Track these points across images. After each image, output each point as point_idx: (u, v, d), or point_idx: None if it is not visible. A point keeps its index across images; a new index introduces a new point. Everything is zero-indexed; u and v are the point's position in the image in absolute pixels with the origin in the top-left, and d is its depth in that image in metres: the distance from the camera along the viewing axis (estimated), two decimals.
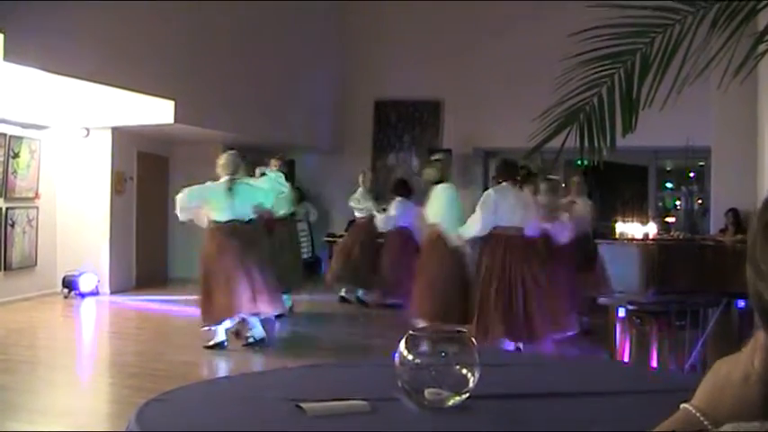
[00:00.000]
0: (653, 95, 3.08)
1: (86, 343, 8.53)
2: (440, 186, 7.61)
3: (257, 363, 6.84)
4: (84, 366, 7.08)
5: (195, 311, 7.39)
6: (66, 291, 10.36)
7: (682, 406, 0.90)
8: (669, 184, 14.26)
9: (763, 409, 0.84)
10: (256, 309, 7.08)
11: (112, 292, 10.73)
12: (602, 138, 3.15)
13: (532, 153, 3.35)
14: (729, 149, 10.05)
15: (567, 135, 3.25)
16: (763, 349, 0.84)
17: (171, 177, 12.40)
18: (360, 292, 10.37)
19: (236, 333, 7.38)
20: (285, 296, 8.24)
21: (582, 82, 3.14)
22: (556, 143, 3.38)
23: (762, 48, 3.09)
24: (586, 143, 3.21)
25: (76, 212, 10.78)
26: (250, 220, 7.33)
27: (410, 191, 9.89)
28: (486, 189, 12.08)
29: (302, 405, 1.92)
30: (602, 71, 3.15)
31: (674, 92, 3.01)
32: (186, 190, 7.17)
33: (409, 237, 9.42)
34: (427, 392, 1.98)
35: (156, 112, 9.48)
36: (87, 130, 10.77)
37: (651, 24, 3.10)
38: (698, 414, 0.88)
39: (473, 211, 6.78)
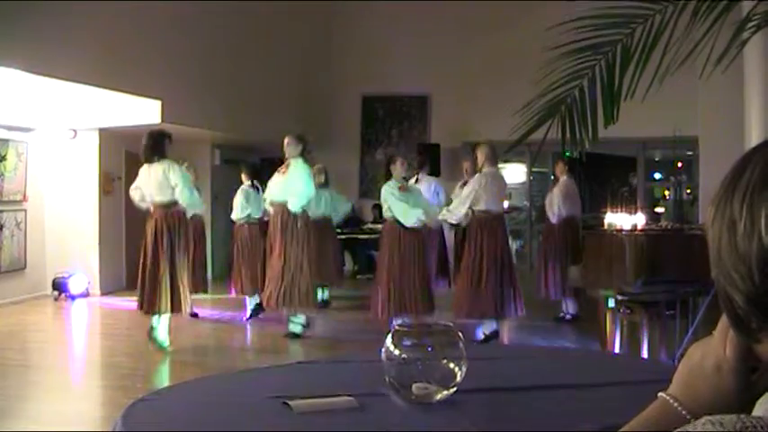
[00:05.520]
0: (635, 86, 3.08)
1: (77, 345, 8.50)
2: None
3: (246, 361, 6.83)
4: (75, 368, 7.06)
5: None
6: (56, 293, 10.32)
7: (659, 395, 0.90)
8: (658, 175, 14.31)
9: (738, 400, 0.84)
10: None
11: (103, 294, 10.69)
12: (584, 129, 3.15)
13: (515, 146, 3.35)
14: (716, 138, 10.05)
15: (549, 127, 3.25)
16: (735, 343, 0.84)
17: None
18: None
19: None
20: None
21: (563, 74, 3.14)
22: (542, 135, 3.37)
23: (745, 35, 3.10)
24: (568, 135, 3.20)
25: (65, 214, 10.73)
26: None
27: None
28: None
29: (289, 402, 1.91)
30: (582, 63, 3.15)
31: (658, 82, 3.01)
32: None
33: None
34: (415, 387, 1.97)
35: (143, 112, 9.43)
36: (74, 131, 10.72)
37: (631, 15, 3.09)
38: (675, 404, 0.88)
39: None
